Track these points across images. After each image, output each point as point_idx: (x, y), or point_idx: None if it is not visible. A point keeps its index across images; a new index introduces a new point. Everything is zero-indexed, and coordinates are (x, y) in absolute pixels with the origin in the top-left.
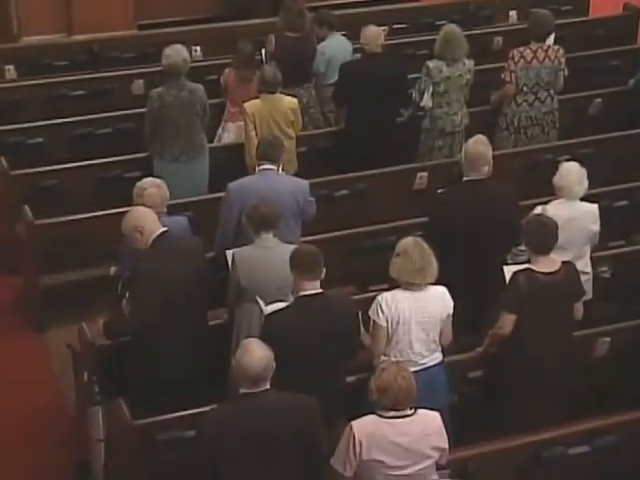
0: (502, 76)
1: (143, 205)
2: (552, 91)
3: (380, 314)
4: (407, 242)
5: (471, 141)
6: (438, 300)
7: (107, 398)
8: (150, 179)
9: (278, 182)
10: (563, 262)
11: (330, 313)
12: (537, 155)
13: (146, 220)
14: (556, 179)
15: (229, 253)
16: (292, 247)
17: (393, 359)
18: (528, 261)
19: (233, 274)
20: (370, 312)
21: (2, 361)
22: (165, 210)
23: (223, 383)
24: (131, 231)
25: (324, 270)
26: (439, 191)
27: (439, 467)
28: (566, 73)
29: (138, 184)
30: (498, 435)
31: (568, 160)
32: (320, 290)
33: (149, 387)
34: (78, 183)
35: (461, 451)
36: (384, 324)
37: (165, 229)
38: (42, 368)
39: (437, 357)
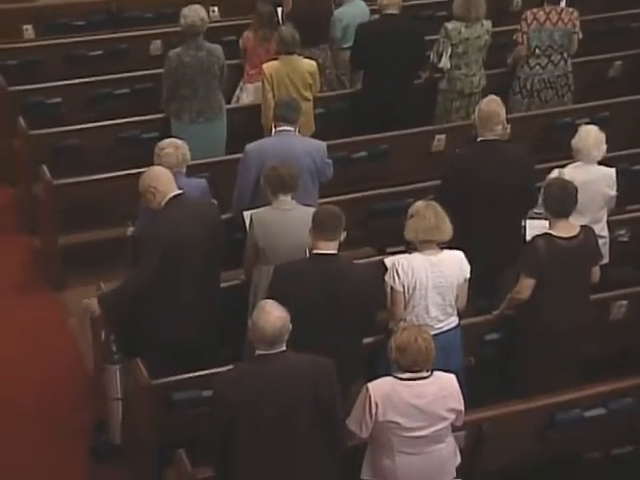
0: (514, 37)
1: (160, 165)
2: (566, 54)
3: (396, 279)
4: (419, 204)
5: (484, 101)
6: (455, 264)
7: (124, 358)
8: (170, 139)
9: (296, 143)
10: (582, 226)
11: (341, 275)
12: (555, 118)
13: (159, 181)
14: (574, 142)
15: (246, 214)
16: (310, 209)
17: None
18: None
19: (250, 236)
20: (386, 277)
21: (21, 320)
22: (184, 171)
23: (240, 344)
24: (145, 191)
25: (344, 233)
26: (453, 152)
27: (454, 429)
28: (580, 36)
29: (158, 144)
30: (514, 398)
31: (587, 123)
32: (334, 252)
33: (163, 348)
34: (96, 143)
35: (477, 413)
36: (400, 289)
37: (179, 192)
38: (60, 327)
39: (453, 321)
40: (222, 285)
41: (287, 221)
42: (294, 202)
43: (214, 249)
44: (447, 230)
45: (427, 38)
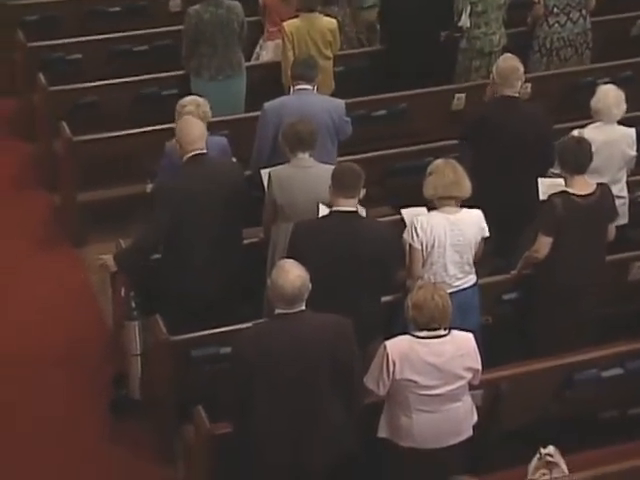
0: None
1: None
2: (584, 11)
3: (415, 237)
4: (438, 162)
5: (501, 58)
6: (473, 223)
7: (144, 314)
8: (192, 97)
9: (314, 101)
10: (598, 184)
11: (360, 232)
12: (576, 77)
13: (182, 135)
14: (594, 102)
15: (264, 172)
16: (328, 167)
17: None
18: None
19: (269, 193)
20: (405, 235)
21: (42, 276)
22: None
23: (258, 302)
24: (175, 140)
25: (363, 191)
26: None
27: (471, 387)
28: None
29: (180, 101)
30: (531, 357)
31: (608, 83)
32: (354, 209)
33: (180, 305)
34: (116, 100)
35: (494, 372)
36: (419, 247)
37: (202, 151)
38: (80, 283)
39: (471, 279)
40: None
41: (305, 178)
42: (312, 160)
43: (234, 208)
44: (466, 187)
45: None
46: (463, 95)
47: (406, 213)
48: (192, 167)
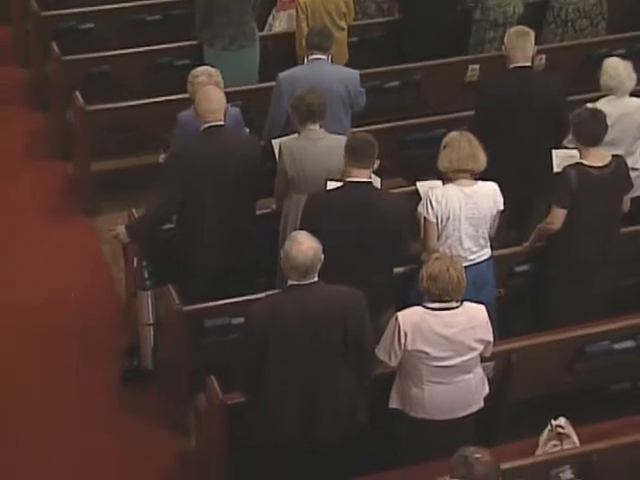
0: None
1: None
2: None
3: (430, 210)
4: (454, 134)
5: (512, 29)
6: (488, 196)
7: (156, 284)
8: (204, 67)
9: (329, 71)
10: (613, 155)
11: (373, 203)
12: (591, 49)
13: (199, 104)
14: (605, 79)
15: (275, 143)
16: (339, 137)
17: None
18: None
19: (280, 164)
20: (420, 208)
21: (55, 246)
22: None
23: (271, 272)
24: (193, 108)
25: (377, 162)
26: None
27: (483, 359)
28: None
29: (192, 72)
30: (543, 329)
31: (620, 55)
32: (368, 179)
33: (193, 274)
34: (129, 70)
35: (506, 344)
36: (434, 220)
37: (219, 123)
38: (93, 253)
39: (486, 253)
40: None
41: (316, 150)
42: (322, 130)
43: (248, 180)
44: (482, 160)
45: None
46: (477, 66)
47: (421, 186)
48: (208, 137)
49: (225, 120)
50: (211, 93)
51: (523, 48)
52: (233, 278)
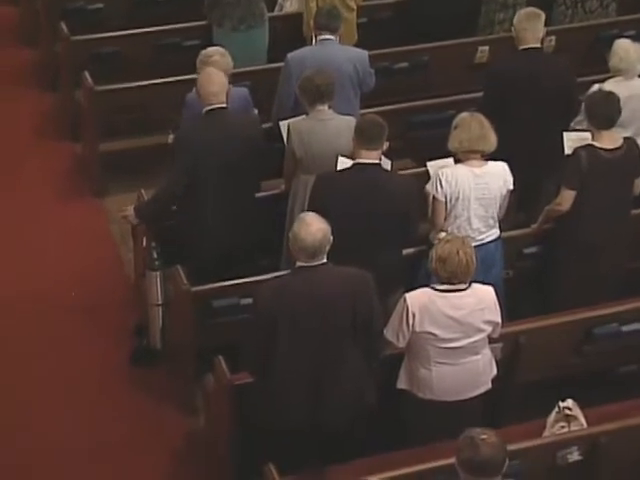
0: None
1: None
2: None
3: (439, 189)
4: (464, 115)
5: (522, 10)
6: (498, 176)
7: (165, 264)
8: (215, 47)
9: (338, 52)
10: (625, 138)
11: (382, 185)
12: (600, 30)
13: (201, 85)
14: (615, 61)
15: (283, 124)
16: (348, 118)
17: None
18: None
19: (288, 145)
20: (429, 187)
21: (63, 226)
22: (227, 80)
23: (278, 254)
24: (195, 90)
25: (386, 143)
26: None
27: (491, 340)
28: None
29: (203, 52)
30: (552, 311)
31: (620, 37)
32: (376, 161)
33: (200, 255)
34: (137, 50)
35: (514, 326)
36: (442, 199)
37: (221, 105)
38: (102, 233)
39: (494, 233)
40: (262, 194)
41: (325, 131)
42: (331, 111)
43: (251, 161)
44: (492, 140)
45: None
46: (486, 48)
47: (432, 165)
48: (210, 120)
49: (228, 101)
50: (213, 75)
51: (533, 30)
52: (236, 258)
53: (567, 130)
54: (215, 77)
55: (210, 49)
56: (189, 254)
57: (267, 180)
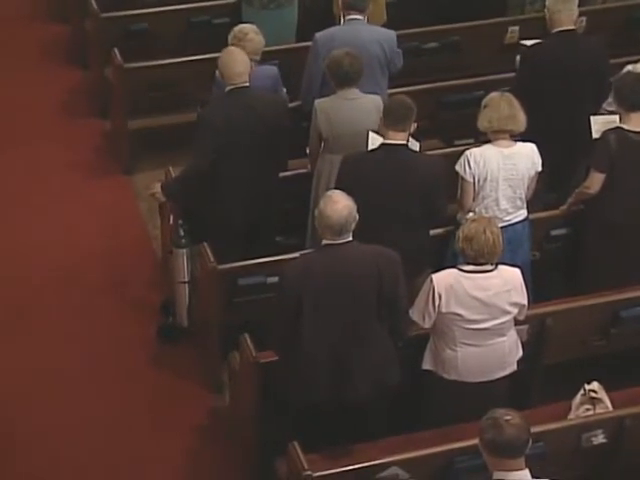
0: None
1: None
2: None
3: (467, 169)
4: (494, 95)
5: None
6: (527, 157)
7: (192, 242)
8: (248, 25)
9: (365, 32)
10: None
11: (409, 165)
12: (632, 11)
13: (224, 65)
14: None
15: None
16: (374, 97)
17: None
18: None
19: (314, 124)
20: (457, 167)
21: (91, 203)
22: (259, 58)
23: (303, 232)
24: (218, 71)
25: (414, 125)
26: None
27: (517, 322)
28: None
29: (237, 28)
30: (578, 293)
31: None
32: (403, 142)
33: (225, 233)
34: (167, 27)
35: (540, 307)
36: (470, 180)
37: (244, 84)
38: (130, 210)
39: (522, 214)
40: (287, 174)
41: (351, 110)
42: (358, 91)
43: (275, 140)
44: (522, 120)
45: None
46: (517, 28)
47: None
48: (233, 99)
49: (252, 80)
50: (236, 55)
51: (568, 11)
52: (257, 234)
53: (595, 114)
54: (239, 56)
55: (244, 26)
56: (212, 231)
57: (293, 159)
